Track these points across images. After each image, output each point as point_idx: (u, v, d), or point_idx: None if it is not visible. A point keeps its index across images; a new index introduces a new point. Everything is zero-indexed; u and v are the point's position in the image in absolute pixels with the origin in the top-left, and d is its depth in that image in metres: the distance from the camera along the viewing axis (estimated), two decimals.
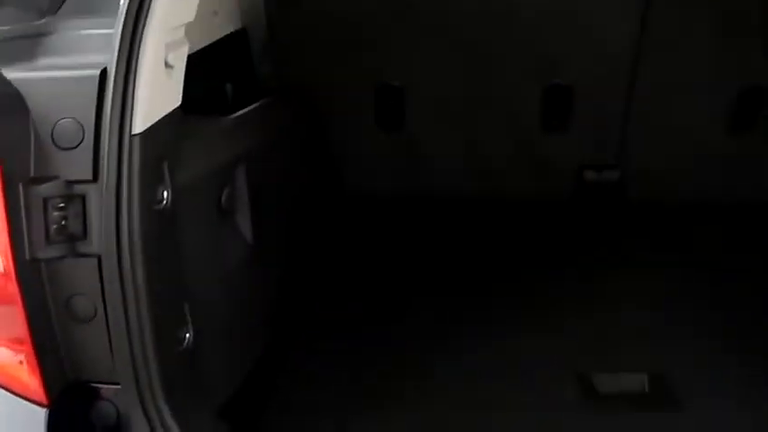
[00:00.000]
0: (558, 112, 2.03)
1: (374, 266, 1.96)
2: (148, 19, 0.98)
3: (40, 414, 1.02)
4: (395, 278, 1.89)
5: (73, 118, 0.95)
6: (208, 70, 1.75)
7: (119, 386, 1.03)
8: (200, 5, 1.45)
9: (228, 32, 1.93)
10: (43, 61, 1.01)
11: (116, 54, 0.95)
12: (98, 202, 0.96)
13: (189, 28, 1.15)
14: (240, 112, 1.54)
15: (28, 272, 0.96)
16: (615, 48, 1.91)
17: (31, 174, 0.95)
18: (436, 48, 1.96)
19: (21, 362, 1.01)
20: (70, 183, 0.96)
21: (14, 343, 1.00)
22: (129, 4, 0.97)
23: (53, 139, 0.96)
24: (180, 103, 1.12)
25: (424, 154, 2.16)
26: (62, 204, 0.96)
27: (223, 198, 1.31)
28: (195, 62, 1.60)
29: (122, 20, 0.96)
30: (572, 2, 1.85)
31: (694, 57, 1.90)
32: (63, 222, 0.96)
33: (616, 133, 2.06)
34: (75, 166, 0.96)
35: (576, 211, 2.20)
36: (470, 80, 2.02)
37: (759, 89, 1.93)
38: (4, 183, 0.91)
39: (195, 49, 1.63)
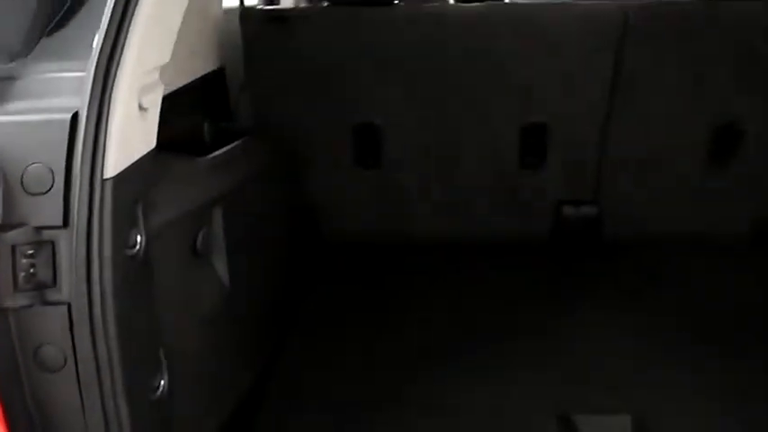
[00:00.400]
0: (535, 150, 2.05)
1: (352, 309, 1.94)
2: (122, 62, 0.97)
3: None
4: (374, 321, 1.87)
5: (43, 163, 0.93)
6: (185, 109, 1.74)
7: None
8: (177, 46, 1.46)
9: (206, 72, 1.94)
10: (13, 105, 0.99)
11: (88, 98, 0.93)
12: (68, 248, 0.94)
13: (165, 69, 1.14)
14: (217, 153, 1.52)
15: None
16: (590, 86, 1.94)
17: None
18: (413, 88, 1.97)
19: None
20: (39, 229, 0.93)
21: None
22: (102, 46, 0.96)
23: (22, 185, 0.93)
24: (154, 145, 1.10)
25: (403, 194, 2.16)
26: (31, 251, 0.93)
27: (198, 240, 1.29)
28: (172, 101, 1.59)
29: (95, 63, 0.95)
30: (547, 42, 1.88)
31: (668, 95, 1.94)
32: (32, 270, 0.93)
33: (593, 169, 2.08)
34: (45, 211, 0.93)
35: (555, 248, 2.21)
36: (447, 119, 2.03)
37: (732, 126, 1.96)
38: None
39: (172, 89, 1.63)
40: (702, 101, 1.94)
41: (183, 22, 1.23)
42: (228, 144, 1.64)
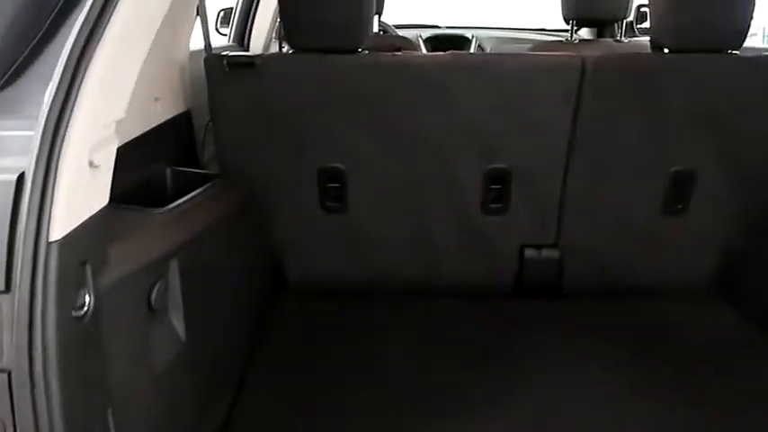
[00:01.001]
0: (498, 196, 2.06)
1: (316, 356, 1.90)
2: (72, 119, 0.95)
3: None
4: (337, 367, 1.84)
5: None
6: (146, 157, 1.72)
7: None
8: (140, 92, 1.44)
9: (171, 116, 1.92)
10: None
11: (34, 158, 0.91)
12: (9, 313, 0.90)
13: (123, 119, 1.12)
14: (177, 202, 1.50)
15: None
16: (550, 134, 1.96)
17: None
18: (377, 133, 1.97)
19: None
20: None
21: None
22: (52, 103, 0.94)
23: None
24: (106, 202, 1.08)
25: (368, 238, 2.15)
26: None
27: (153, 295, 1.26)
28: (131, 149, 1.57)
29: (43, 121, 0.93)
30: (508, 91, 1.89)
31: (625, 145, 1.96)
32: None
33: (554, 215, 2.10)
34: None
35: (519, 291, 2.22)
36: (411, 165, 2.03)
37: (687, 175, 1.99)
38: None
39: (131, 137, 1.61)
40: (658, 151, 1.97)
41: (146, 68, 1.21)
42: (192, 190, 1.62)
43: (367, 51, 1.92)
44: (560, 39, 3.33)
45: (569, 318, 2.09)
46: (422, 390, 1.72)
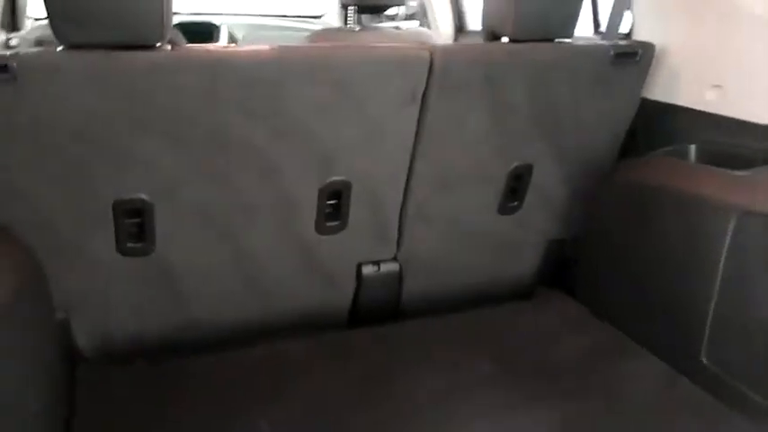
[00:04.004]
0: (335, 212, 1.78)
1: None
2: None
3: None
4: None
5: None
6: None
7: None
8: None
9: None
10: None
11: None
12: None
13: None
14: None
15: None
16: (395, 136, 1.72)
17: None
18: (187, 149, 1.54)
19: None
20: None
21: None
22: None
23: None
24: None
25: (182, 280, 1.72)
26: None
27: None
28: None
29: None
30: (347, 90, 1.60)
31: (469, 144, 1.82)
32: None
33: (394, 226, 1.89)
34: None
35: (358, 311, 1.98)
36: (231, 184, 1.64)
37: (523, 172, 1.92)
38: None
39: None
40: (500, 148, 1.86)
41: None
42: None
43: (169, 47, 1.47)
44: (335, 26, 3.12)
45: (410, 332, 1.92)
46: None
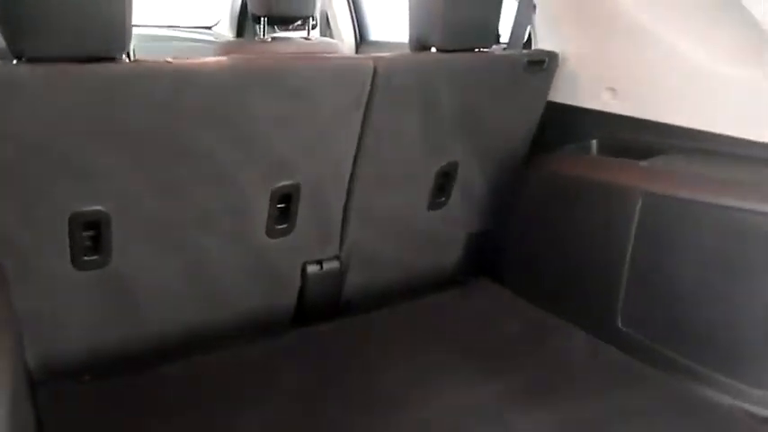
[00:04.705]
0: (284, 215, 1.87)
1: None
2: None
3: None
4: None
5: None
6: None
7: None
8: None
9: None
10: None
11: None
12: None
13: None
14: None
15: None
16: (341, 141, 1.84)
17: None
18: (143, 159, 1.57)
19: None
20: None
21: None
22: None
23: None
24: None
25: (137, 290, 1.73)
26: None
27: None
28: None
29: None
30: (298, 98, 1.70)
31: (405, 145, 1.97)
32: None
33: (338, 226, 2.01)
34: None
35: (303, 309, 2.07)
36: (186, 193, 1.68)
37: (453, 167, 2.10)
38: None
39: None
40: (431, 149, 2.03)
41: None
42: None
43: (127, 59, 1.50)
44: (238, 39, 3.16)
45: (360, 329, 2.03)
46: None
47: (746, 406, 1.64)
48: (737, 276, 1.67)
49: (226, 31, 4.74)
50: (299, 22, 3.26)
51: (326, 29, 3.56)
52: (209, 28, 4.84)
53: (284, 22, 3.02)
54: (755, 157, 1.78)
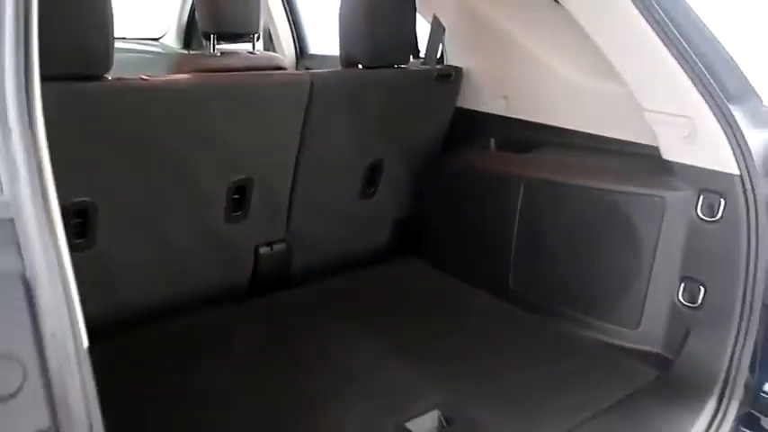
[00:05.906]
0: (239, 204, 2.27)
1: None
2: None
3: None
4: None
5: None
6: None
7: None
8: None
9: None
10: None
11: None
12: None
13: None
14: None
15: None
16: (285, 143, 2.26)
17: None
18: (124, 160, 1.95)
19: None
20: None
21: None
22: None
23: None
24: None
25: (114, 269, 2.08)
26: None
27: None
28: None
29: None
30: (252, 107, 2.11)
31: (337, 145, 2.40)
32: None
33: (284, 214, 2.41)
34: None
35: (256, 287, 2.47)
36: (157, 188, 2.06)
37: (379, 163, 2.55)
38: None
39: None
40: (360, 148, 2.47)
41: None
42: None
43: (109, 77, 1.88)
44: (198, 52, 3.51)
45: (304, 300, 2.44)
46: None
47: (604, 338, 2.14)
48: (595, 240, 2.17)
49: (172, 43, 5.06)
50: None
51: (269, 43, 3.96)
52: (157, 40, 5.15)
53: (232, 38, 3.41)
54: (611, 150, 2.28)
